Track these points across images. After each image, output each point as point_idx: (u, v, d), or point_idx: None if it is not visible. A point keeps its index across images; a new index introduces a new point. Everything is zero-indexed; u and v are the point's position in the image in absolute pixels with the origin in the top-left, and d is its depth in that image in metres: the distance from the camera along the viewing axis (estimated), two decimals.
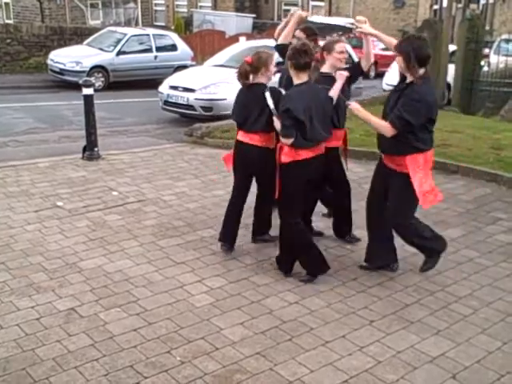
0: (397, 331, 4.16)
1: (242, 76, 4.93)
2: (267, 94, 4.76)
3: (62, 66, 17.37)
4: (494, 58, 16.48)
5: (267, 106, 4.76)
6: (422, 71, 4.39)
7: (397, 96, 4.50)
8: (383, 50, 17.73)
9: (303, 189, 4.71)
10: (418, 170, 4.49)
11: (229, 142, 9.05)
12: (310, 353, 3.89)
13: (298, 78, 4.62)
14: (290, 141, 4.53)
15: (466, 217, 6.24)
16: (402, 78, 4.56)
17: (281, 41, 5.83)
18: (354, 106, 4.61)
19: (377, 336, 4.10)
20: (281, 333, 4.10)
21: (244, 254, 5.31)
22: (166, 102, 12.54)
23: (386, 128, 4.45)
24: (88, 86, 8.28)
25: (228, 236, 5.29)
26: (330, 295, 4.61)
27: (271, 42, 14.86)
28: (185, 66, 17.22)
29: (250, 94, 4.94)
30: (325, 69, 5.16)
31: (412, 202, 4.60)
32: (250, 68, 4.90)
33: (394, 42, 4.72)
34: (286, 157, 4.61)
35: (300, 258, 4.83)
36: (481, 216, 6.24)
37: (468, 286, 4.82)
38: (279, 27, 6.38)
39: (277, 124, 4.68)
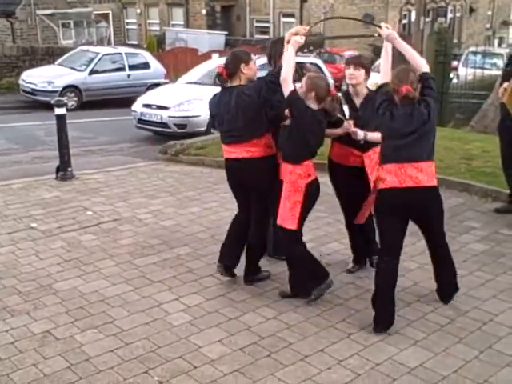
0: (375, 343, 4.18)
1: None
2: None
3: (33, 87, 17.28)
4: (462, 71, 16.78)
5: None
6: None
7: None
8: None
9: None
10: None
11: (203, 158, 9.07)
12: (289, 368, 3.88)
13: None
14: None
15: None
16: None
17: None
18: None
19: (355, 349, 4.10)
20: (259, 349, 4.09)
21: None
22: (140, 121, 12.53)
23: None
24: (60, 105, 8.23)
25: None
26: (307, 309, 4.60)
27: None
28: (158, 84, 17.23)
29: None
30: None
31: None
32: None
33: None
34: None
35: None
36: (454, 226, 6.31)
37: None
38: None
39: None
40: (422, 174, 4.22)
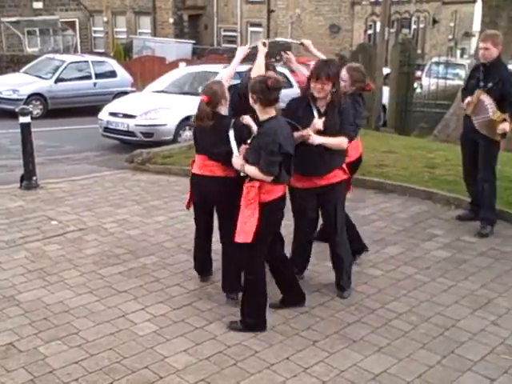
0: (340, 350, 4.22)
1: (205, 119, 4.65)
2: (231, 134, 4.52)
3: None
4: (425, 81, 17.11)
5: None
6: None
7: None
8: None
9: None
10: None
11: (170, 167, 9.05)
12: (255, 376, 3.90)
13: (267, 113, 4.29)
14: (271, 178, 4.24)
15: (404, 234, 6.40)
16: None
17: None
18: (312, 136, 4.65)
19: (320, 356, 4.14)
20: (225, 358, 4.10)
21: (187, 279, 5.29)
22: (106, 129, 12.44)
23: (344, 141, 4.76)
24: (25, 114, 8.13)
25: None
26: (273, 317, 4.62)
27: (211, 68, 15.00)
28: (125, 93, 17.15)
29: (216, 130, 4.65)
30: None
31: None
32: (209, 107, 4.64)
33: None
34: (268, 195, 4.28)
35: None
36: (418, 233, 6.42)
37: (407, 302, 4.94)
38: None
39: (237, 162, 4.36)
40: None
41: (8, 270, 5.41)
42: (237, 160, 4.37)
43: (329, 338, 4.36)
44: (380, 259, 5.73)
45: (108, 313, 4.68)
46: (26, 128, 8.08)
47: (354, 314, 4.73)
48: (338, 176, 4.87)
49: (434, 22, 36.61)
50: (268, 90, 4.21)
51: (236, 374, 3.91)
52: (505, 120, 6.01)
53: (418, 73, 17.63)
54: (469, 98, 6.27)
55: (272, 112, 4.30)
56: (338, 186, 4.90)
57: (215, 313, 4.70)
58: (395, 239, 6.25)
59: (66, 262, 5.64)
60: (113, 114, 12.40)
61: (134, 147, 10.56)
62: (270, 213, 4.29)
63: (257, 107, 4.30)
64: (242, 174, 4.36)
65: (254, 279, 4.41)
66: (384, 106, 15.38)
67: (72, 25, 30.55)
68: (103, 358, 4.06)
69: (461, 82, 12.91)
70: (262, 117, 4.31)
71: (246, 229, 4.25)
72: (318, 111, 4.77)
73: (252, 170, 4.25)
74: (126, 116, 12.14)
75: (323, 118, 4.69)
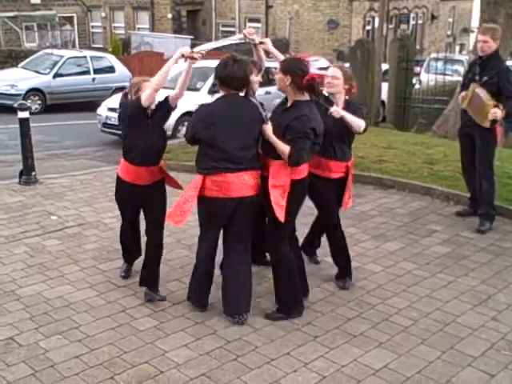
0: (340, 345, 4.23)
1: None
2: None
3: None
4: (424, 76, 17.11)
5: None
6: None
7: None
8: (320, 69, 18.10)
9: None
10: None
11: (168, 162, 9.03)
12: (255, 371, 3.90)
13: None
14: None
15: (403, 230, 6.41)
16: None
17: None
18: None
19: (321, 351, 4.15)
20: (225, 353, 4.11)
21: (186, 274, 5.28)
22: (105, 124, 12.43)
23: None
24: (23, 109, 8.12)
25: None
26: None
27: (210, 63, 14.91)
28: (123, 88, 17.07)
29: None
30: None
31: None
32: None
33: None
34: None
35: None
36: (417, 229, 6.43)
37: (407, 297, 4.94)
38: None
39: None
40: None
41: (8, 265, 5.41)
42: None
43: (329, 334, 4.37)
44: (380, 255, 5.73)
45: (108, 307, 4.69)
46: (24, 123, 8.07)
47: (354, 309, 4.74)
48: None
49: (433, 17, 36.60)
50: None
51: (236, 369, 3.92)
52: (497, 106, 5.97)
53: (417, 69, 17.63)
54: (463, 93, 6.28)
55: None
56: None
57: (215, 308, 4.69)
58: (394, 235, 6.26)
59: (66, 256, 5.64)
60: (112, 110, 12.35)
61: None
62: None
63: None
64: None
65: None
66: (383, 102, 15.39)
67: (70, 20, 30.48)
68: (104, 352, 4.07)
69: (459, 78, 12.90)
70: None
71: None
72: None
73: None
74: None
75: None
